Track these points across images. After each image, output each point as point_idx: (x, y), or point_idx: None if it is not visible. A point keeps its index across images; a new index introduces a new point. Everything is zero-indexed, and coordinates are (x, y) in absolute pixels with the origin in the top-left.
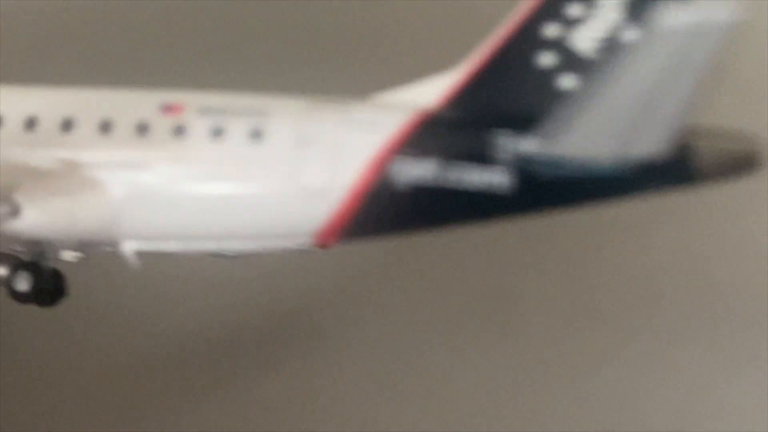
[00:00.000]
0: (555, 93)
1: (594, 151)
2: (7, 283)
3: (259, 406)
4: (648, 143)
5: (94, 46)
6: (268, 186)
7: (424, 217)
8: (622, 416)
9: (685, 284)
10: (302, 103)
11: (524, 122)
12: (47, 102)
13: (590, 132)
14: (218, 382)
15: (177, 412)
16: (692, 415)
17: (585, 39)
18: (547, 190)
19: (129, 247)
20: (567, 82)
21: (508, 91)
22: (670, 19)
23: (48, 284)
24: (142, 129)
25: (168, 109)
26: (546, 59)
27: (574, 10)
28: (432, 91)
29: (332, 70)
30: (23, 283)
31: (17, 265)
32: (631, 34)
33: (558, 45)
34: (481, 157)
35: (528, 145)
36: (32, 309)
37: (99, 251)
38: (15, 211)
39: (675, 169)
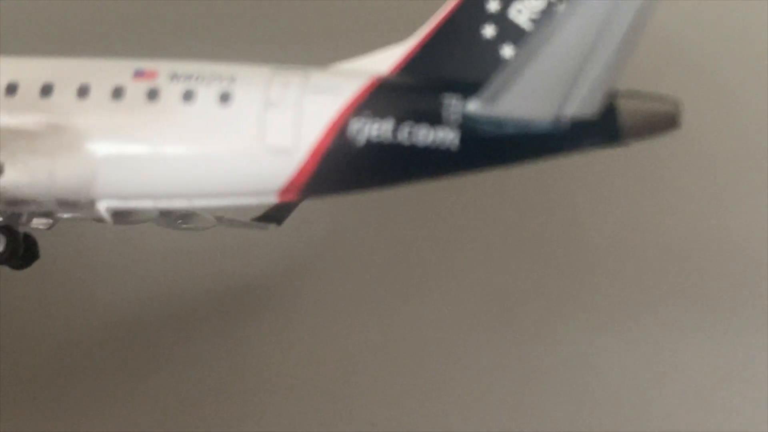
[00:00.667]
0: (497, 61)
1: (531, 112)
2: None
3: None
4: (579, 104)
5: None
6: (236, 146)
7: (380, 173)
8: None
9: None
10: (267, 70)
11: (470, 87)
12: (26, 69)
13: (526, 95)
14: (183, 350)
15: (138, 380)
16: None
17: (522, 12)
18: (490, 146)
19: (104, 206)
20: (507, 51)
21: (455, 59)
22: None
23: (21, 247)
24: (118, 93)
25: (141, 74)
26: (488, 31)
27: None
28: (386, 60)
29: (291, 43)
30: None
31: None
32: (561, 7)
33: (499, 18)
34: (432, 117)
35: (473, 107)
36: None
37: (67, 220)
38: None
39: (604, 128)
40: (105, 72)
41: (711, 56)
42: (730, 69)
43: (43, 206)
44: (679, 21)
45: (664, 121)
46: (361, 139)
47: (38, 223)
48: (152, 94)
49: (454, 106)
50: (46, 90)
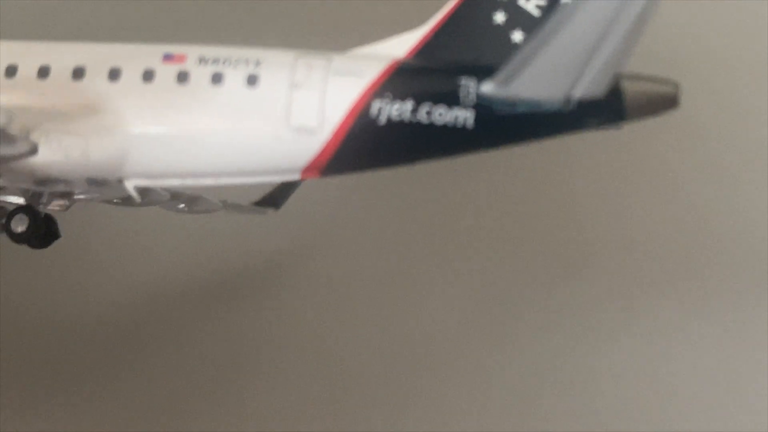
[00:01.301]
0: (508, 45)
1: (542, 93)
2: (5, 224)
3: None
4: (588, 86)
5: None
6: (263, 126)
7: (399, 151)
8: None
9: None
10: (291, 54)
11: (483, 69)
12: (57, 53)
13: (539, 78)
14: (182, 335)
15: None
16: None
17: (531, 1)
18: (503, 125)
19: (132, 184)
20: (517, 36)
21: (468, 44)
22: None
23: (42, 227)
24: (148, 76)
25: (170, 58)
26: (499, 17)
27: None
28: (401, 45)
29: (307, 31)
30: (20, 225)
31: (15, 209)
32: None
33: (509, 4)
34: (449, 98)
35: (487, 88)
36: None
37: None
38: (33, 150)
39: (610, 108)
40: (135, 56)
41: (710, 41)
42: (729, 54)
43: (71, 185)
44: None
45: (665, 102)
46: (382, 119)
47: (55, 204)
48: (182, 77)
49: (470, 87)
50: (78, 73)
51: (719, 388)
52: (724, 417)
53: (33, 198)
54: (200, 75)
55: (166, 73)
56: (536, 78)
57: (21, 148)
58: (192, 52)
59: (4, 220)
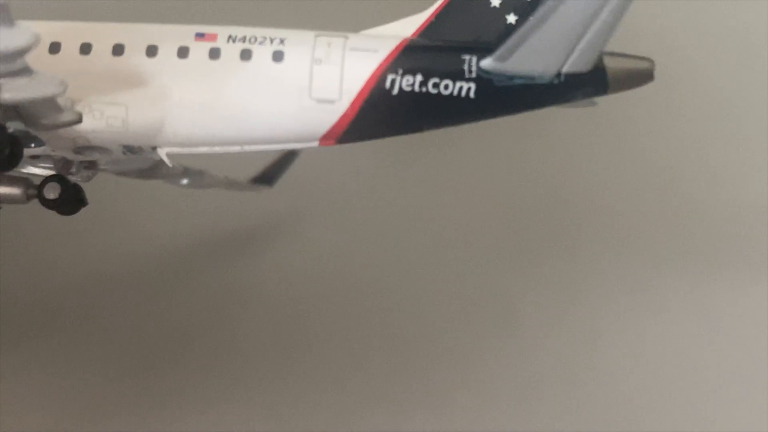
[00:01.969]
0: (504, 26)
1: (536, 68)
2: (38, 192)
3: None
4: (576, 63)
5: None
6: (287, 98)
7: (409, 119)
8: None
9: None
10: (311, 33)
11: (482, 47)
12: (97, 31)
13: (533, 55)
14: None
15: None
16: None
17: None
18: (502, 95)
19: (165, 152)
20: (511, 18)
21: (468, 25)
22: None
23: (72, 195)
24: (183, 52)
25: (202, 36)
26: (495, 1)
27: None
28: (407, 27)
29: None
30: (52, 192)
31: (47, 177)
32: None
33: None
34: (453, 72)
35: (487, 63)
36: None
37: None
38: (79, 119)
39: (594, 82)
40: (169, 34)
41: (683, 19)
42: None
43: (108, 153)
44: None
45: (642, 76)
46: (395, 90)
47: (81, 175)
48: (214, 53)
49: (472, 62)
50: (118, 49)
51: (718, 373)
52: (724, 416)
53: (63, 168)
54: (230, 51)
55: (199, 49)
56: (530, 55)
57: (68, 117)
58: (222, 31)
59: (31, 190)
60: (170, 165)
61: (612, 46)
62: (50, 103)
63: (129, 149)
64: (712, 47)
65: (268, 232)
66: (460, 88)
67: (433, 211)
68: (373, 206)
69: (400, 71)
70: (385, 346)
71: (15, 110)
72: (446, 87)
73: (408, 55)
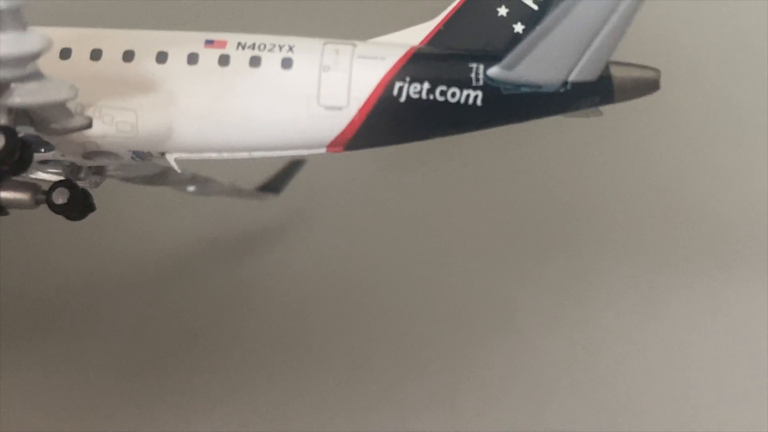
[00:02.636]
0: (510, 35)
1: (542, 77)
2: (47, 197)
3: None
4: (583, 72)
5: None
6: (296, 105)
7: (416, 127)
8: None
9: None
10: (319, 40)
11: (489, 56)
12: (107, 38)
13: (540, 64)
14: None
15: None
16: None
17: None
18: (508, 104)
19: (174, 157)
20: (518, 27)
21: (475, 34)
22: None
23: (81, 200)
24: (192, 59)
25: (211, 43)
26: (502, 10)
27: None
28: (415, 35)
29: (332, 22)
30: (61, 198)
31: (56, 182)
32: None
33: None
34: (461, 80)
35: (494, 72)
36: None
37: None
38: (89, 124)
39: (601, 90)
40: (179, 41)
41: (686, 29)
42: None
43: (117, 158)
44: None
45: (648, 85)
46: (402, 98)
47: (89, 180)
48: (223, 60)
49: (479, 71)
50: (128, 56)
51: (721, 373)
52: (725, 416)
53: (72, 173)
54: (240, 58)
55: (209, 56)
56: (537, 64)
57: (78, 121)
58: (231, 38)
59: (40, 195)
60: (179, 171)
61: (615, 52)
62: (61, 108)
63: (138, 155)
64: (712, 49)
65: (272, 236)
66: (467, 96)
67: (435, 215)
68: (376, 211)
69: (408, 79)
70: (388, 347)
71: (26, 114)
72: (453, 95)
73: (416, 63)
